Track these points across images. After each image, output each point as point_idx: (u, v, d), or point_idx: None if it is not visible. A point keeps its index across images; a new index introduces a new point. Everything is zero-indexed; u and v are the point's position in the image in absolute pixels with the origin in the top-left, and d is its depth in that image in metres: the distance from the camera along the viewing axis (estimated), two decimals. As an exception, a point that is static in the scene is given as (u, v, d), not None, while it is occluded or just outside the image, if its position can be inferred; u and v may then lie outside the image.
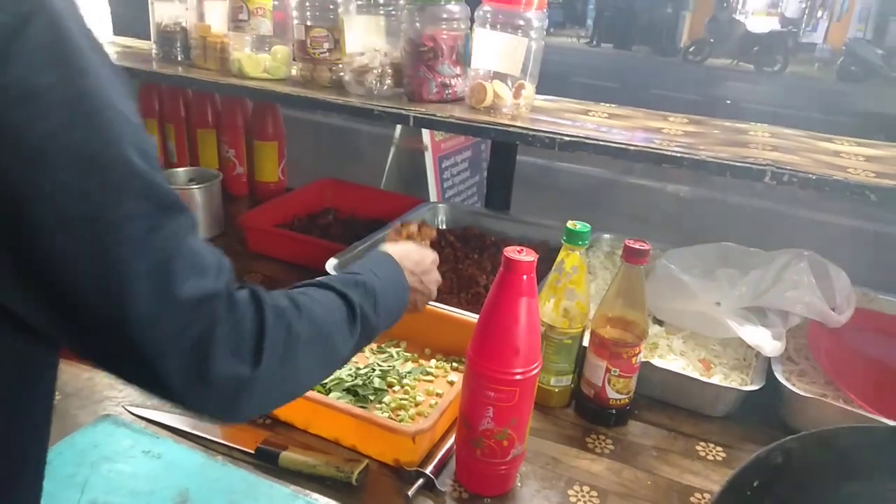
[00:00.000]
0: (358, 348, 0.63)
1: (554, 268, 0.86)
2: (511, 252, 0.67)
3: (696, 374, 0.90)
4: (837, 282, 0.98)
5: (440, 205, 1.38)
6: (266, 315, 0.49)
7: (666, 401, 0.92)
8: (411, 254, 0.79)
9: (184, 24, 1.33)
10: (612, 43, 12.57)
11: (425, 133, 2.02)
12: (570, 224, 0.84)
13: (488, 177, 1.52)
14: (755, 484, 0.56)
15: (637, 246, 0.81)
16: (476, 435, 0.71)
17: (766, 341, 0.89)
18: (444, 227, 1.36)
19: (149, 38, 1.40)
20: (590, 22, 13.94)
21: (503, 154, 1.37)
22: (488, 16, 1.07)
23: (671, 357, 0.94)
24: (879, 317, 1.02)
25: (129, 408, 0.84)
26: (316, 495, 0.72)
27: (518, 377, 0.68)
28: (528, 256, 0.66)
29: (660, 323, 1.02)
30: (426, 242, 0.94)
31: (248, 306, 0.48)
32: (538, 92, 1.16)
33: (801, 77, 9.90)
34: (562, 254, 0.85)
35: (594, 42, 12.63)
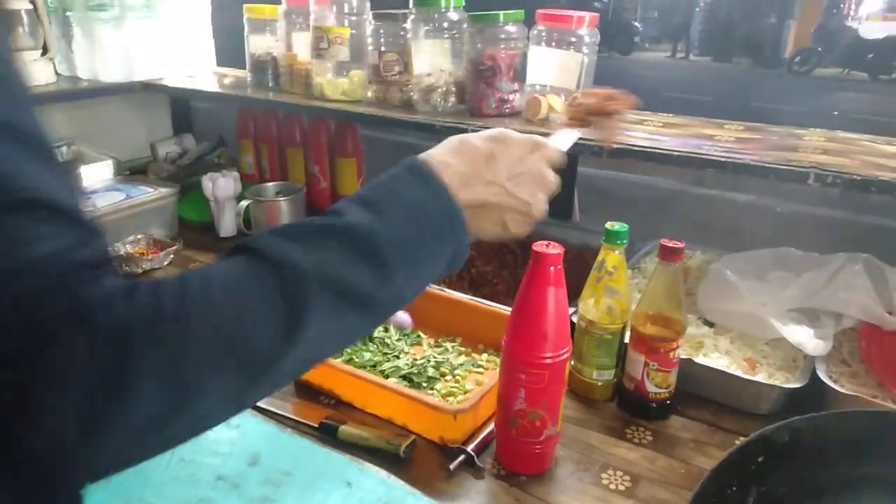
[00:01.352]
0: (332, 339, 0.47)
1: (594, 267, 0.92)
2: (538, 246, 0.73)
3: (739, 372, 0.92)
4: (894, 284, 0.97)
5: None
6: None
7: (710, 398, 0.94)
8: (469, 153, 0.57)
9: (274, 54, 1.49)
10: (711, 55, 12.17)
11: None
12: (608, 225, 0.89)
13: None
14: (759, 460, 0.59)
15: (671, 244, 0.85)
16: (511, 415, 0.78)
17: (808, 340, 0.89)
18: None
19: (245, 68, 1.58)
20: (688, 34, 13.58)
21: (568, 164, 1.43)
22: (543, 34, 1.15)
23: (716, 356, 0.97)
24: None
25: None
26: (368, 464, 0.81)
27: (547, 361, 0.74)
28: (553, 250, 0.73)
29: (710, 324, 1.04)
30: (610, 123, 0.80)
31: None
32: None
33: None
34: (602, 253, 0.90)
35: (687, 55, 12.29)
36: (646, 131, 1.15)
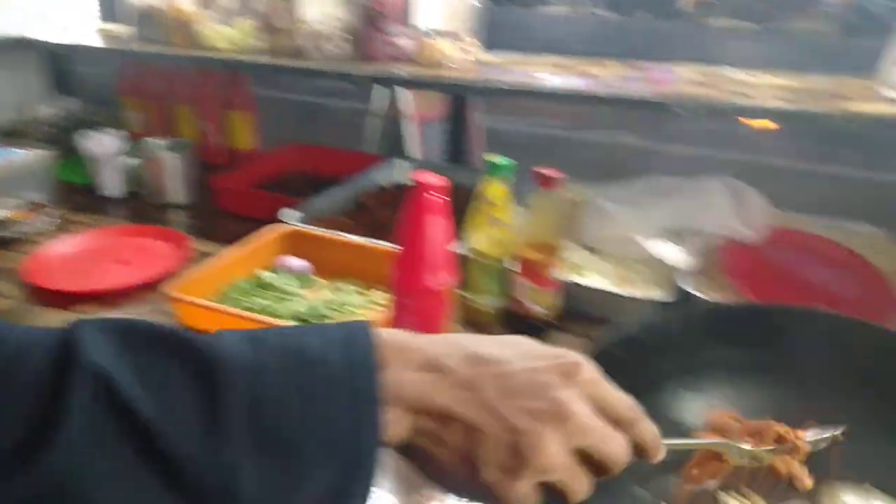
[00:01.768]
0: None
1: (477, 198, 0.96)
2: (419, 174, 0.76)
3: (615, 290, 1.00)
4: (753, 203, 1.06)
5: (398, 160, 1.47)
6: None
7: (591, 315, 1.01)
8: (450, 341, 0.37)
9: (157, 5, 1.43)
10: (613, 9, 12.46)
11: (406, 101, 2.12)
12: (487, 157, 0.93)
13: (447, 131, 1.61)
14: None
15: (545, 172, 0.90)
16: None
17: (674, 256, 0.97)
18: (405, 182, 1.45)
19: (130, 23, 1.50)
20: (592, -9, 13.81)
21: (457, 108, 1.46)
22: (425, -23, 1.16)
23: (596, 276, 1.04)
24: (795, 234, 1.10)
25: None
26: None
27: (430, 285, 0.78)
28: (433, 178, 0.76)
29: (591, 251, 1.11)
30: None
31: None
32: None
33: (805, 33, 9.74)
34: (485, 185, 0.94)
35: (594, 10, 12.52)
36: (536, 72, 1.19)
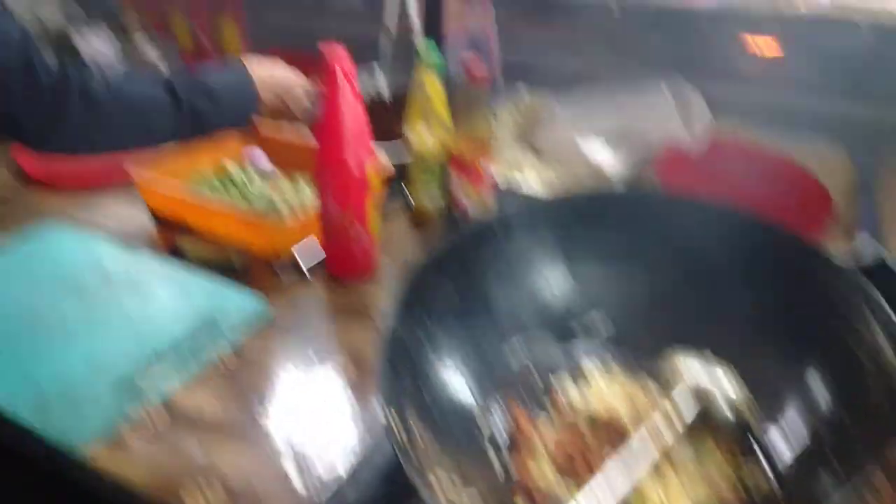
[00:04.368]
0: (184, 132, 0.86)
1: (412, 90, 0.98)
2: (325, 47, 0.79)
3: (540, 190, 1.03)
4: (696, 108, 1.07)
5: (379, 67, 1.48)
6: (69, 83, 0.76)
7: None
8: (273, 70, 0.94)
9: None
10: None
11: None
12: (419, 46, 0.95)
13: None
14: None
15: (472, 67, 0.92)
16: (325, 218, 0.87)
17: (606, 159, 1.00)
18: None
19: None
20: None
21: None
22: None
23: (533, 176, 1.07)
24: (735, 143, 1.10)
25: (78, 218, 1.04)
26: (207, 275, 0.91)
27: (347, 162, 0.83)
28: (338, 49, 0.79)
29: (537, 152, 1.14)
30: None
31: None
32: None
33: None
34: (418, 76, 0.96)
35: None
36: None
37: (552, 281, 0.70)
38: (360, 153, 0.83)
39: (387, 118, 1.27)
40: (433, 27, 1.50)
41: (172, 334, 0.78)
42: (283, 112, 0.95)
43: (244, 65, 0.91)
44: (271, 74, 0.93)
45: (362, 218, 0.88)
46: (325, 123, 0.82)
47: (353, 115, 0.82)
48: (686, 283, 0.68)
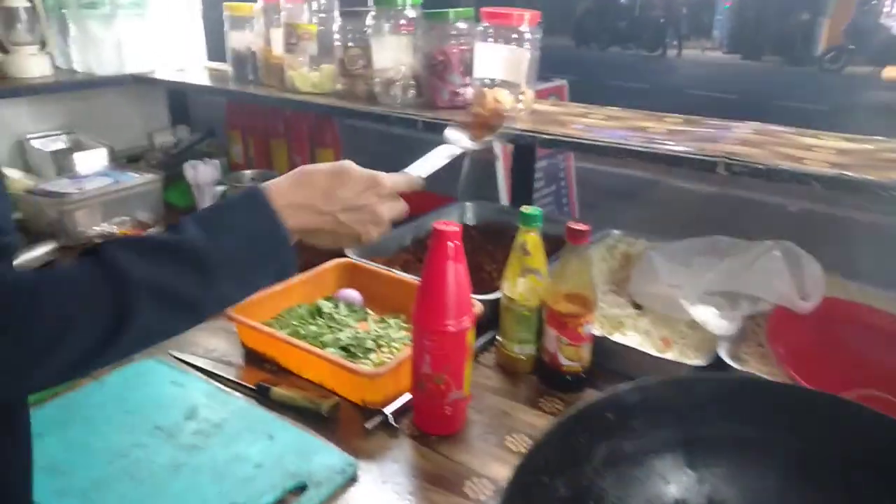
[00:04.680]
0: (158, 331, 0.57)
1: (513, 248, 0.98)
2: (438, 224, 0.80)
3: (650, 350, 0.98)
4: (809, 270, 1.01)
5: (468, 203, 1.52)
6: None
7: (625, 374, 1.00)
8: (307, 186, 0.66)
9: (253, 49, 1.58)
10: (740, 53, 12.04)
11: (496, 143, 2.17)
12: (523, 208, 0.95)
13: (512, 175, 1.64)
14: (609, 416, 0.65)
15: (576, 227, 0.91)
16: (419, 378, 0.85)
17: (712, 319, 0.95)
18: (472, 223, 1.49)
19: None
20: (716, 32, 13.45)
21: (522, 153, 1.50)
22: (488, 31, 1.21)
23: (632, 334, 1.02)
24: (851, 306, 1.03)
25: (171, 352, 1.05)
26: (294, 422, 0.89)
27: (448, 328, 0.81)
28: (452, 227, 0.80)
29: (637, 307, 1.10)
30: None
31: None
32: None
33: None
34: (519, 235, 0.97)
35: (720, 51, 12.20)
36: (586, 123, 1.20)
37: (671, 478, 0.64)
38: (461, 320, 0.82)
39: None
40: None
41: (261, 498, 0.75)
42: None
43: (259, 195, 0.64)
44: (307, 193, 0.67)
45: (459, 382, 0.85)
46: (428, 292, 0.82)
47: (457, 286, 0.81)
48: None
